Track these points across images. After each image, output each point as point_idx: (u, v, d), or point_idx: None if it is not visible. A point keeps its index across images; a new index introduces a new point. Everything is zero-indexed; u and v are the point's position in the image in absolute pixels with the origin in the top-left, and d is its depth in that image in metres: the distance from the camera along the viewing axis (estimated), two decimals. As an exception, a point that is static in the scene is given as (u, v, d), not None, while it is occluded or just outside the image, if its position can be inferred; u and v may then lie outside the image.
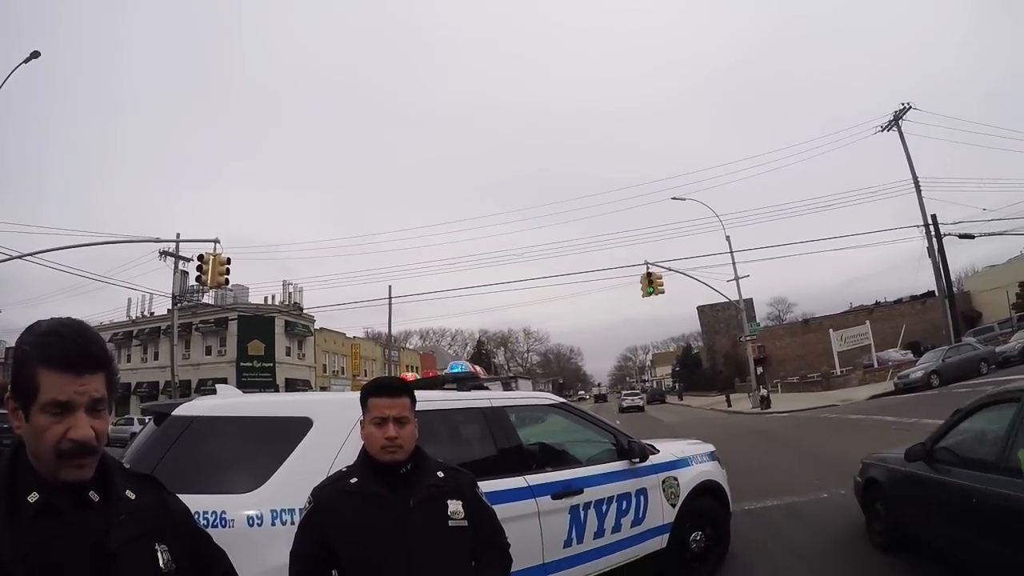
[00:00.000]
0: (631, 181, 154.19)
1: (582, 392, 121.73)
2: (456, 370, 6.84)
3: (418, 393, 3.14)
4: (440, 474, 2.67)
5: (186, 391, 46.14)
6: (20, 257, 24.53)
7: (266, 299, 57.34)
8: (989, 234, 35.83)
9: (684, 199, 39.91)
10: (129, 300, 57.49)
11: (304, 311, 58.06)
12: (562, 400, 6.11)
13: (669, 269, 36.18)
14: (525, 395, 6.04)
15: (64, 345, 1.43)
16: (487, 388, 5.69)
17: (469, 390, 5.40)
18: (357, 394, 3.42)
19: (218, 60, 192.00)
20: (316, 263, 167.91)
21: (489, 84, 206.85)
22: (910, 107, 34.69)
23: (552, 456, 5.52)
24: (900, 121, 35.02)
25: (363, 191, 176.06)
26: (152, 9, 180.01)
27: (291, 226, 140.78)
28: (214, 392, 4.56)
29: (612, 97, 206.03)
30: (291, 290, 57.90)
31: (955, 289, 41.51)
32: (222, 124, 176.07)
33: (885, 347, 45.39)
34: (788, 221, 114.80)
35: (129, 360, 55.59)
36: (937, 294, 35.93)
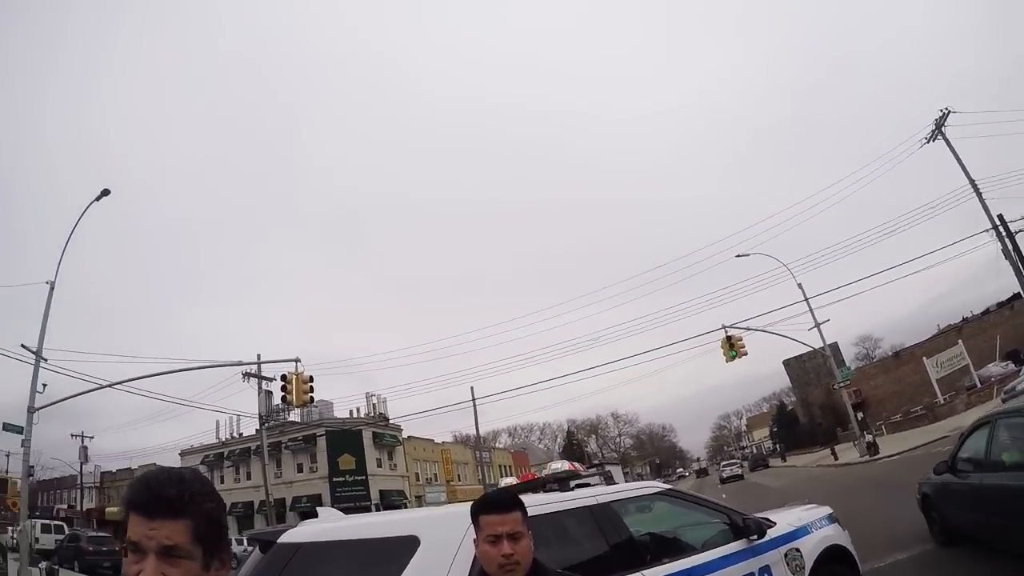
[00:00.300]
0: (691, 247, 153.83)
1: (680, 469, 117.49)
2: (556, 470, 6.48)
3: (527, 499, 3.21)
4: None
5: (280, 509, 47.10)
6: (109, 386, 25.57)
7: (351, 412, 58.51)
8: None
9: (748, 254, 39.46)
10: (217, 422, 59.73)
11: (390, 421, 58.60)
12: (667, 487, 5.94)
13: (747, 329, 35.51)
14: (629, 487, 5.69)
15: (141, 489, 1.46)
16: (590, 484, 5.71)
17: (572, 489, 5.33)
18: (461, 507, 3.78)
19: (290, 178, 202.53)
20: (397, 372, 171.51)
21: (541, 170, 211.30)
22: (949, 112, 33.79)
23: (666, 546, 5.35)
24: (943, 128, 34.24)
25: (436, 294, 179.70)
26: (223, 128, 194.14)
27: (369, 336, 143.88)
28: (310, 510, 4.89)
29: (658, 163, 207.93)
30: (375, 401, 58.63)
31: None
32: (295, 241, 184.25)
33: (984, 363, 42.87)
34: (854, 256, 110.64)
35: (222, 481, 56.97)
36: (1023, 295, 34.21)
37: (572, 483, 5.55)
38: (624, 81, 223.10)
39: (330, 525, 4.27)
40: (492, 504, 2.68)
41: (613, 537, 4.77)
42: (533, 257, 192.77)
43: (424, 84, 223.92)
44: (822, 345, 39.29)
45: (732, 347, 33.56)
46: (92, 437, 59.71)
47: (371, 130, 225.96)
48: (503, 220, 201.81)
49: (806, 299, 38.33)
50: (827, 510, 6.77)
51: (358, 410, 58.83)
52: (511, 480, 6.63)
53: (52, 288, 24.55)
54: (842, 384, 40.86)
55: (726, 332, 33.98)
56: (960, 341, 43.95)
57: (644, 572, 4.61)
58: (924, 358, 47.58)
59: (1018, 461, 6.68)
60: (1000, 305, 55.80)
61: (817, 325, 38.36)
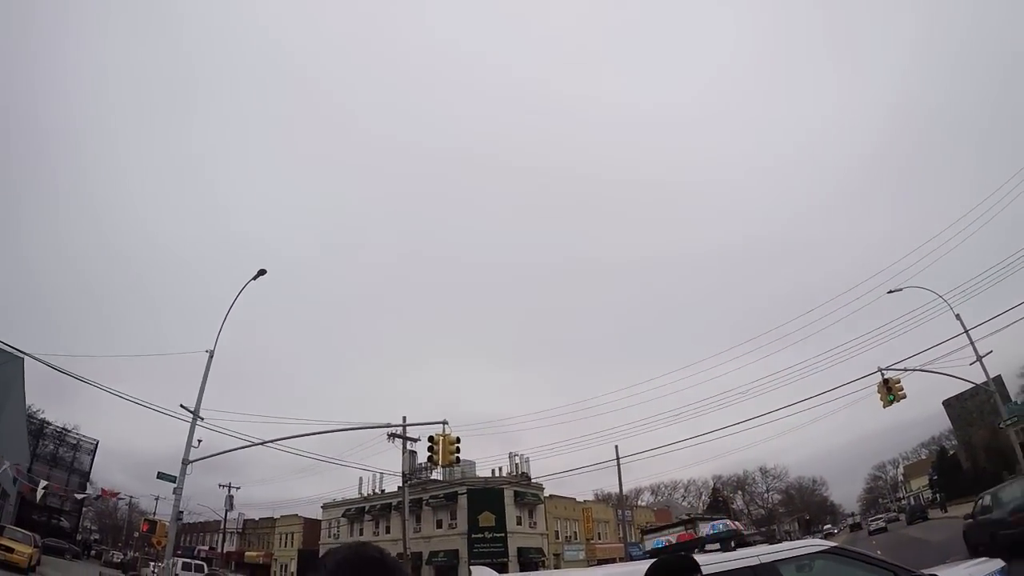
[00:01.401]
0: (832, 290, 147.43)
1: (829, 525, 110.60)
2: (716, 530, 6.48)
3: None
4: None
5: (417, 563, 49.52)
6: (261, 444, 28.03)
7: (493, 471, 60.37)
8: None
9: (900, 289, 37.45)
10: (360, 479, 63.49)
11: (532, 480, 59.92)
12: (831, 544, 5.88)
13: (905, 370, 33.69)
14: (791, 545, 5.56)
15: (348, 570, 1.52)
16: (751, 544, 6.09)
17: (733, 548, 5.76)
18: (627, 567, 4.42)
19: (436, 243, 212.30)
20: (540, 432, 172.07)
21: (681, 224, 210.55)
22: None
23: None
24: None
25: (579, 353, 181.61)
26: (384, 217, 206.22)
27: (514, 399, 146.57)
28: (446, 563, 5.76)
29: (783, 205, 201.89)
30: (517, 460, 60.58)
31: None
32: (438, 306, 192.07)
33: None
34: (1015, 278, 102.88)
35: (362, 533, 60.80)
36: None
37: (734, 543, 5.68)
38: (741, 120, 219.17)
39: None
40: (673, 570, 2.74)
41: None
42: (676, 310, 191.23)
43: (554, 158, 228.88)
44: (985, 379, 35.82)
45: (890, 391, 31.99)
46: (239, 488, 63.19)
47: (511, 199, 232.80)
48: (646, 273, 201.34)
49: (965, 331, 35.25)
50: (999, 563, 6.38)
51: (500, 469, 60.69)
52: (666, 540, 6.19)
53: (211, 356, 27.17)
54: (1009, 422, 38.23)
55: (882, 375, 32.39)
56: None
57: None
58: None
59: None
60: None
61: (979, 358, 35.22)
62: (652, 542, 33.31)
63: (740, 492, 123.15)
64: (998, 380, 47.97)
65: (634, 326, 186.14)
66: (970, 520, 17.02)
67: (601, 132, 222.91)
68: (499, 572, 5.57)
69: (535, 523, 61.06)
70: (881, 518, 68.17)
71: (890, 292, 37.64)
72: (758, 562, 4.92)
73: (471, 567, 5.07)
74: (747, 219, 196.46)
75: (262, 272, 28.60)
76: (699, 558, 4.54)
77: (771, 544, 5.96)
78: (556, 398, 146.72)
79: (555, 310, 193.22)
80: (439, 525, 57.27)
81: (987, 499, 16.92)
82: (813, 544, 5.76)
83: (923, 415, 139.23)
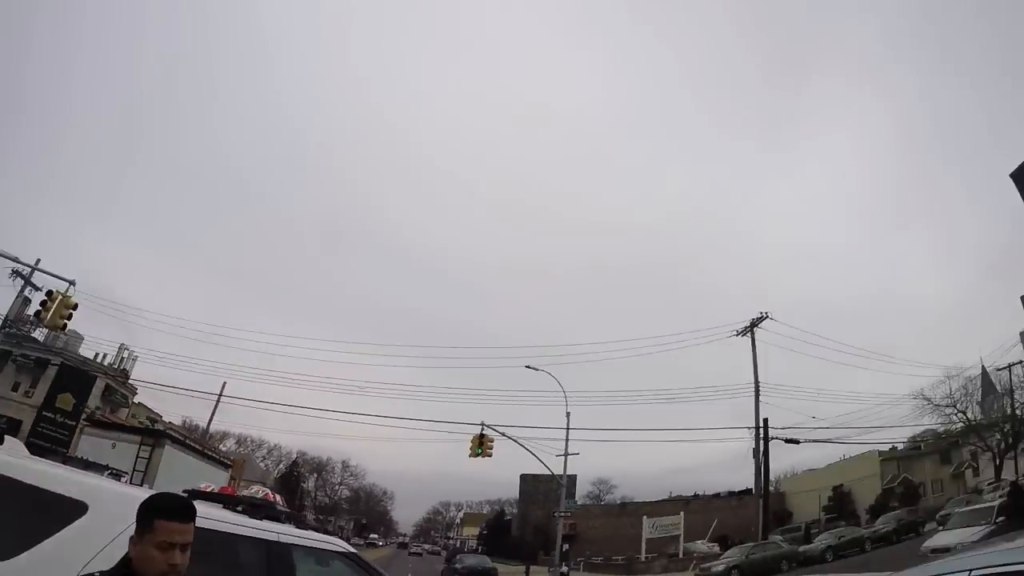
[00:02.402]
0: (490, 340, 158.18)
1: (375, 535, 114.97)
2: (256, 495, 6.23)
3: (209, 510, 3.39)
4: None
5: None
6: None
7: (96, 356, 53.58)
8: (815, 440, 39.24)
9: (537, 369, 39.31)
10: None
11: (129, 380, 55.13)
12: (352, 551, 5.85)
13: (503, 434, 35.59)
14: (317, 537, 5.60)
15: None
16: (282, 522, 5.36)
17: (261, 519, 5.02)
18: (142, 491, 3.74)
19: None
20: (165, 339, 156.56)
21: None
22: (767, 316, 38.42)
23: None
24: (755, 328, 38.77)
25: (248, 282, 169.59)
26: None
27: (165, 297, 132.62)
28: (3, 429, 4.61)
29: (496, 253, 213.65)
30: (125, 354, 54.66)
31: (772, 489, 44.24)
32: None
33: (696, 538, 47.80)
34: (631, 407, 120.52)
35: None
36: (754, 492, 38.74)
37: (263, 514, 5.20)
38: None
39: (7, 459, 4.10)
40: (176, 512, 2.59)
41: None
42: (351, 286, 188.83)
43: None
44: (562, 473, 40.12)
45: (481, 445, 33.78)
46: None
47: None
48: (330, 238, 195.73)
49: (567, 427, 38.98)
50: None
51: (104, 357, 54.14)
52: (211, 486, 6.33)
53: None
54: (563, 514, 41.90)
55: (483, 429, 34.07)
56: (683, 513, 48.46)
57: None
58: (644, 516, 51.37)
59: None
60: (731, 494, 63.62)
61: (566, 455, 39.24)
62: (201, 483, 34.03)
63: (317, 475, 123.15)
64: (572, 479, 54.76)
65: (302, 280, 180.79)
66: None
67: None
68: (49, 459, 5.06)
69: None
70: (425, 547, 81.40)
71: (527, 367, 39.75)
72: (275, 539, 4.80)
73: (6, 437, 4.59)
74: (470, 238, 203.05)
75: None
76: (223, 513, 4.71)
77: (299, 528, 5.74)
78: (203, 312, 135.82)
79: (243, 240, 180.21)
80: (15, 388, 48.47)
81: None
82: (335, 543, 5.81)
83: (500, 479, 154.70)
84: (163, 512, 2.55)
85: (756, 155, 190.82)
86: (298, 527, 5.75)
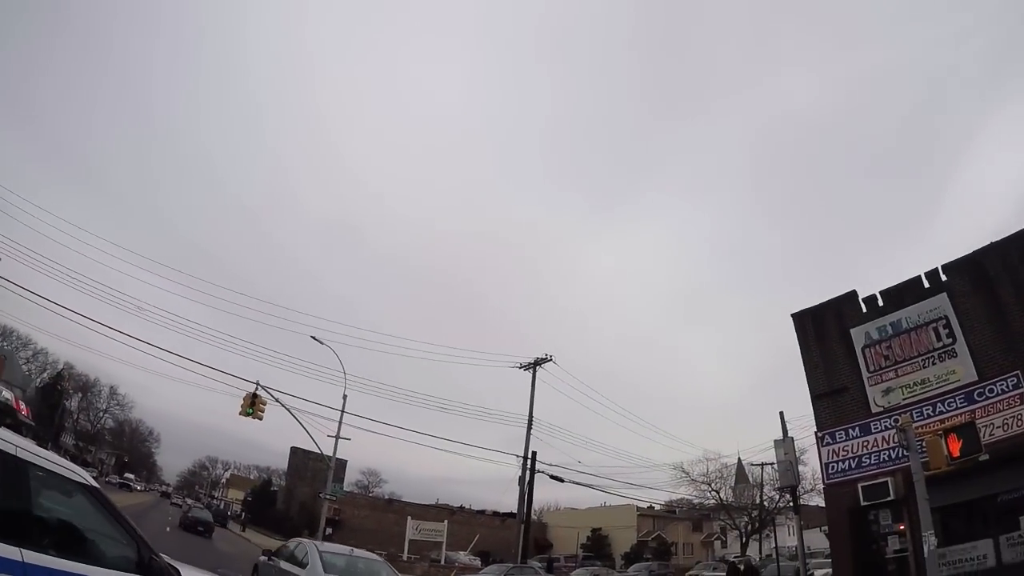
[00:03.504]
0: (285, 300, 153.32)
1: (130, 476, 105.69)
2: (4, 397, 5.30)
3: None
4: None
5: None
6: None
7: None
8: (576, 483, 42.71)
9: (323, 343, 38.21)
10: None
11: None
12: (98, 487, 5.26)
13: (277, 400, 34.77)
14: (59, 461, 4.99)
15: None
16: (23, 434, 4.89)
17: (1, 426, 4.57)
18: None
19: None
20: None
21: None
22: (551, 359, 40.88)
23: (67, 540, 4.81)
24: (539, 367, 41.22)
25: None
26: None
27: None
28: None
29: (309, 215, 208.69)
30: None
31: (535, 518, 47.15)
32: None
33: (457, 548, 49.52)
34: (410, 407, 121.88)
35: None
36: (517, 517, 40.74)
37: (7, 421, 4.92)
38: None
39: None
40: None
41: (8, 499, 4.35)
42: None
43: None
44: (332, 456, 39.79)
45: (254, 405, 32.72)
46: None
47: None
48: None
49: (343, 409, 38.80)
50: None
51: None
52: None
53: None
54: (329, 496, 41.66)
55: (257, 388, 33.22)
56: (447, 521, 50.09)
57: (24, 552, 4.19)
58: (410, 517, 52.09)
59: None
60: (496, 514, 67.10)
61: (338, 437, 39.19)
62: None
63: (82, 395, 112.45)
64: (341, 463, 54.08)
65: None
66: (266, 558, 16.39)
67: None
68: None
69: None
70: (189, 503, 77.60)
71: (313, 339, 37.93)
72: (13, 453, 4.38)
73: None
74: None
75: None
76: None
77: (41, 447, 4.95)
78: None
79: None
80: None
81: (292, 549, 15.79)
82: (80, 473, 5.08)
83: (271, 447, 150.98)
84: None
85: (587, 214, 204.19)
86: (40, 446, 5.10)
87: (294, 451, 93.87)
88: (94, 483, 5.25)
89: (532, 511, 43.54)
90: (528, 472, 38.82)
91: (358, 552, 15.73)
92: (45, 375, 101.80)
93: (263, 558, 17.03)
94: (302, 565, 13.96)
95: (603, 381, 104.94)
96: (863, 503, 20.12)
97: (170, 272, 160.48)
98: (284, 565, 14.83)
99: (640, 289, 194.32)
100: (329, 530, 44.17)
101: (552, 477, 40.64)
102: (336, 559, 14.24)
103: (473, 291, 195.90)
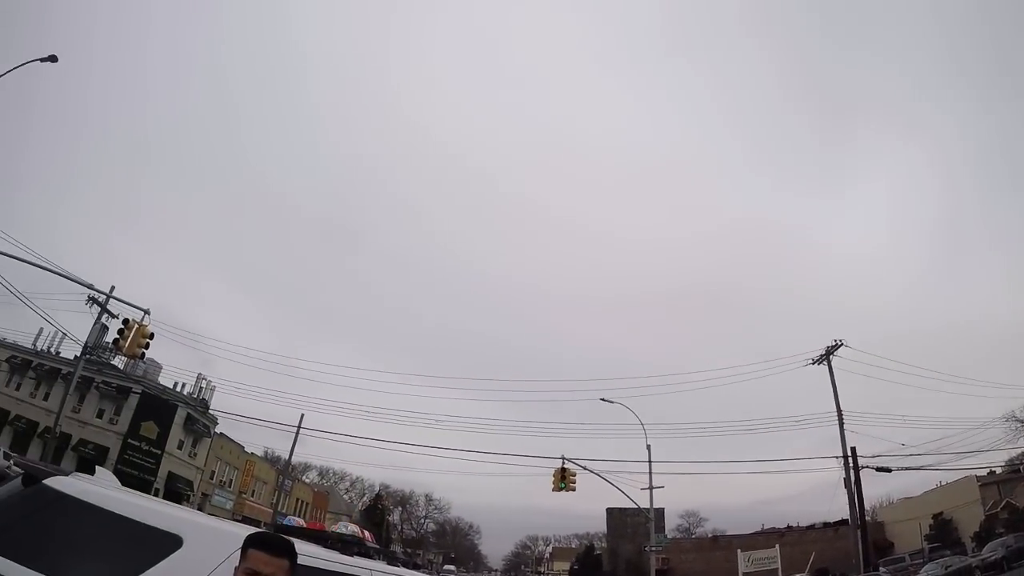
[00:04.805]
0: (562, 371, 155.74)
1: (450, 567, 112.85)
2: (343, 530, 6.33)
3: (299, 546, 3.27)
4: None
5: (63, 444, 42.60)
6: None
7: (175, 384, 54.40)
8: (906, 468, 36.59)
9: (612, 402, 39.36)
10: (41, 329, 53.09)
11: (210, 410, 55.38)
12: None
13: (584, 468, 35.81)
14: (407, 573, 5.56)
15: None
16: (373, 557, 5.53)
17: (353, 555, 5.11)
18: (234, 527, 3.81)
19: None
20: (239, 369, 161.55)
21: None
22: (842, 344, 36.02)
23: None
24: (831, 356, 36.24)
25: (311, 314, 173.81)
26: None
27: (233, 325, 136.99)
28: (93, 457, 4.37)
29: (566, 286, 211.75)
30: (203, 384, 55.25)
31: (869, 519, 41.39)
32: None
33: (792, 571, 44.80)
34: (712, 439, 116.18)
35: (18, 389, 50.47)
36: (850, 523, 35.90)
37: (354, 551, 5.47)
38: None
39: (103, 491, 3.86)
40: (266, 543, 2.78)
41: None
42: (410, 313, 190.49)
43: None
44: (649, 507, 39.54)
45: (564, 479, 34.04)
46: None
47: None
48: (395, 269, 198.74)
49: (649, 461, 38.47)
50: None
51: (183, 386, 54.80)
52: (300, 521, 6.24)
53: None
54: (655, 548, 41.15)
55: (563, 463, 34.31)
56: (778, 546, 45.65)
57: None
58: (740, 550, 49.09)
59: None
60: (826, 525, 59.50)
61: (651, 488, 38.60)
62: (286, 519, 37.54)
63: (401, 508, 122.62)
64: (660, 512, 52.73)
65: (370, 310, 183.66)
66: None
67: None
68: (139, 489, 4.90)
69: (196, 454, 55.83)
70: None
71: (602, 400, 39.70)
72: (369, 574, 4.67)
73: (97, 467, 4.57)
74: (534, 273, 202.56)
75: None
76: (315, 549, 4.64)
77: (391, 565, 5.73)
78: (271, 341, 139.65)
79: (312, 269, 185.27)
80: (99, 415, 49.77)
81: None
82: None
83: (587, 512, 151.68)
84: (256, 543, 2.82)
85: (804, 199, 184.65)
86: (390, 564, 6.01)
87: (610, 511, 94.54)
88: None
89: (864, 512, 37.83)
90: (852, 471, 33.74)
91: None
92: (365, 498, 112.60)
93: None
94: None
95: (898, 347, 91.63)
96: None
97: (452, 382, 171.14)
98: None
99: (886, 245, 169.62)
100: (662, 581, 41.85)
101: (878, 469, 35.11)
102: None
103: (733, 303, 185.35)
